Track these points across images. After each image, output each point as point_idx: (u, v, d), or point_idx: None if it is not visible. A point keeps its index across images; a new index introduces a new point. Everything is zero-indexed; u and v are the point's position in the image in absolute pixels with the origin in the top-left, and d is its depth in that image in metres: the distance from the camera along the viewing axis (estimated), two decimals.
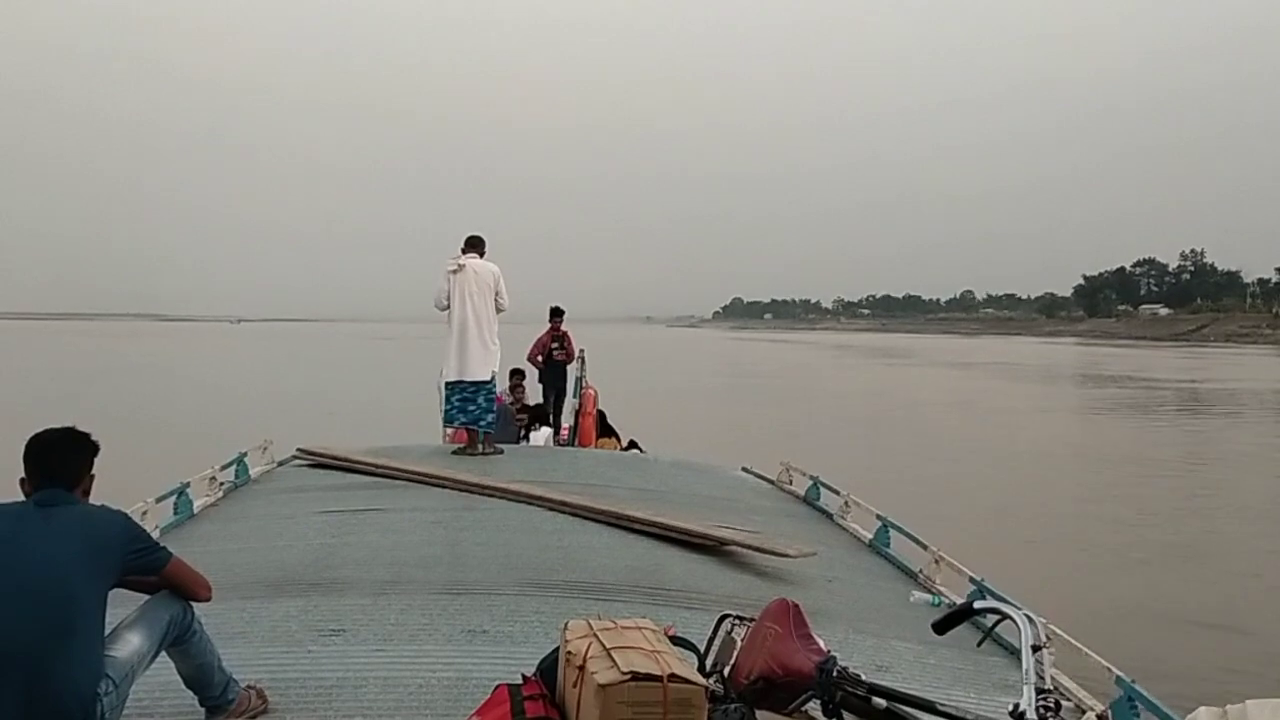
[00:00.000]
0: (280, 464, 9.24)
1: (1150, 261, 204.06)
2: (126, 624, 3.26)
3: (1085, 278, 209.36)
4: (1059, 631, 4.34)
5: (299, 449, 9.50)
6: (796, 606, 3.19)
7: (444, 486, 7.90)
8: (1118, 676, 4.03)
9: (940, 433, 26.52)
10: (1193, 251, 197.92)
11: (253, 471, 8.60)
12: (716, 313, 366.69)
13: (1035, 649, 2.58)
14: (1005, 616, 2.78)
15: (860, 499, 7.97)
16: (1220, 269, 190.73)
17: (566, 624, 3.27)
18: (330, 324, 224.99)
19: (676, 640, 3.35)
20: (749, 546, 6.25)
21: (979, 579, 5.55)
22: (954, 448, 23.59)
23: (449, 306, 9.70)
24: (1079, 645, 4.37)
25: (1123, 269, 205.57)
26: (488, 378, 9.87)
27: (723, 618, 3.57)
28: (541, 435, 13.19)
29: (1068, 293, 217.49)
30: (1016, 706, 2.46)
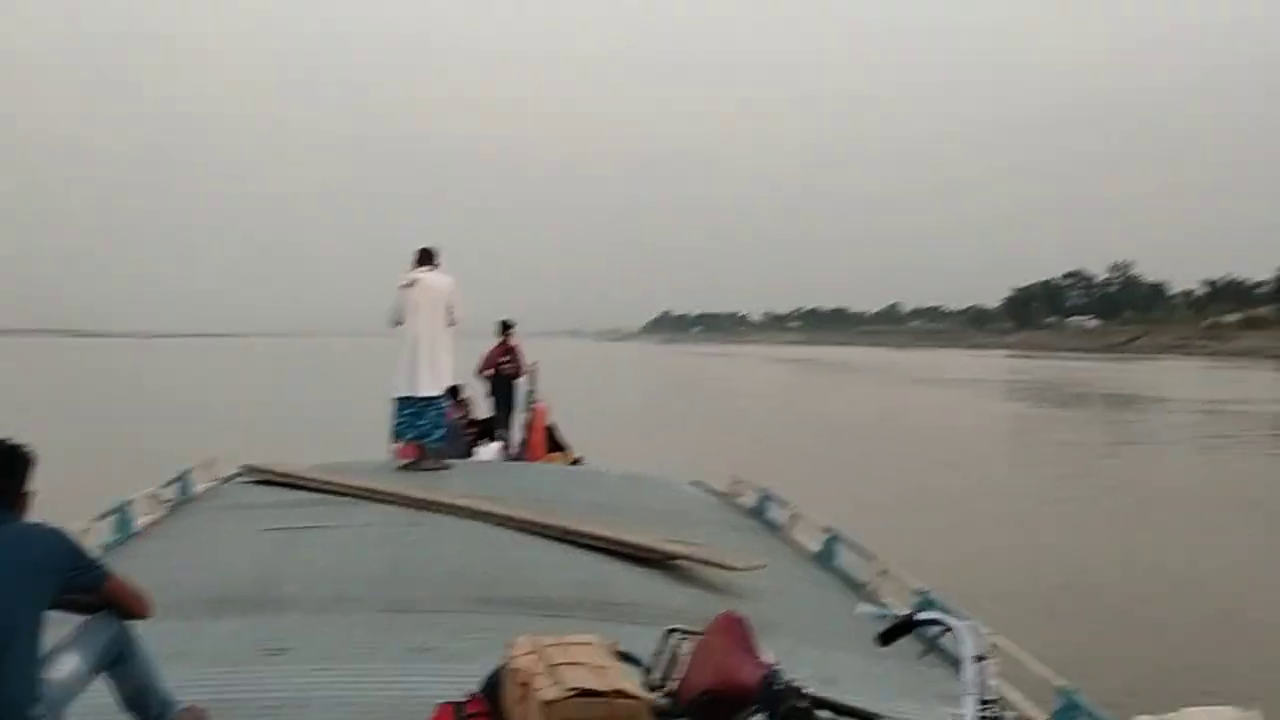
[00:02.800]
0: (225, 481, 9.10)
1: (1078, 273, 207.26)
2: (63, 645, 3.20)
3: (1013, 289, 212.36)
4: (1003, 641, 4.38)
5: (244, 465, 9.38)
6: (742, 620, 3.20)
7: (391, 502, 7.83)
8: (1058, 686, 4.09)
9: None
10: (1120, 263, 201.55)
11: (197, 489, 8.48)
12: (645, 326, 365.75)
13: (978, 659, 2.61)
14: (948, 628, 2.80)
15: (807, 512, 8.01)
16: (1147, 281, 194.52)
17: (511, 641, 3.25)
18: (268, 338, 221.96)
19: (623, 655, 3.35)
20: (698, 560, 6.26)
21: (925, 590, 5.59)
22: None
23: (402, 321, 9.65)
24: (1022, 655, 4.42)
25: (1050, 280, 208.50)
26: (438, 393, 9.81)
27: (670, 632, 3.57)
28: (490, 450, 13.13)
29: (995, 304, 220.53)
30: (960, 718, 2.48)
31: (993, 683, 4.03)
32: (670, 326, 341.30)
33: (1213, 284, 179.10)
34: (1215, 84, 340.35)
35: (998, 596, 10.19)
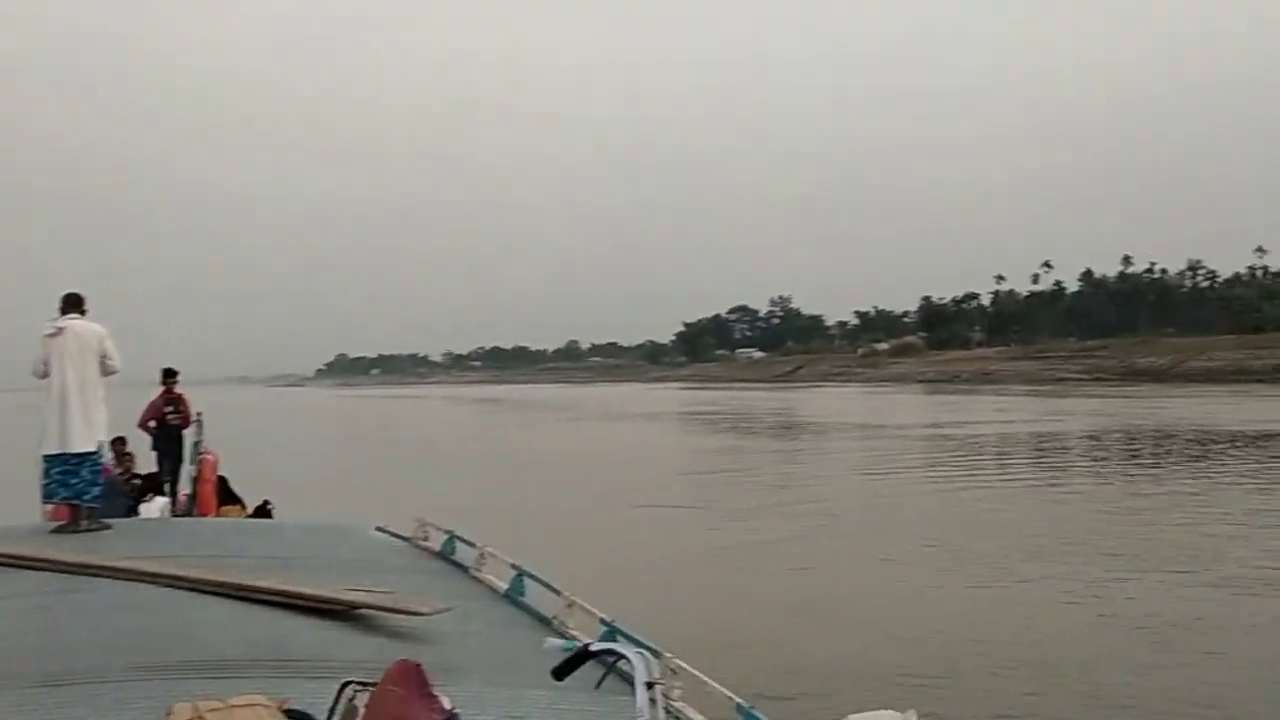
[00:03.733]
0: None
1: (744, 308, 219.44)
2: None
3: (685, 324, 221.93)
4: (681, 664, 4.49)
5: None
6: (417, 666, 3.13)
7: (42, 569, 7.19)
8: (737, 704, 4.24)
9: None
10: (781, 298, 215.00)
11: None
12: (320, 370, 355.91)
13: (650, 685, 2.67)
14: (620, 655, 2.86)
15: (497, 550, 7.97)
16: (806, 314, 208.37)
17: (170, 708, 3.06)
18: None
19: (293, 714, 3.21)
20: (380, 608, 6.09)
21: (609, 620, 5.68)
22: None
23: (48, 374, 8.95)
24: (701, 675, 4.54)
25: (719, 315, 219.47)
26: (93, 448, 9.14)
27: (345, 685, 3.45)
28: (156, 506, 12.34)
29: (668, 339, 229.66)
30: None
31: (676, 704, 4.17)
32: (347, 369, 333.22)
33: (864, 315, 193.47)
34: (857, 136, 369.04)
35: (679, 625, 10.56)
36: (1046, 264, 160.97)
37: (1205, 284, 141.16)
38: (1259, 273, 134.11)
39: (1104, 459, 29.17)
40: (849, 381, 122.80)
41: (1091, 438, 35.98)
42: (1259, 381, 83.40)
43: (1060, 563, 14.70)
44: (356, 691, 3.35)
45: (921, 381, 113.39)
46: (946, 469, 27.54)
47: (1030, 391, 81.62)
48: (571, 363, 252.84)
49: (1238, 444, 31.50)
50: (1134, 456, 29.53)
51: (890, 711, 3.07)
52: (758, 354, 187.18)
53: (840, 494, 22.89)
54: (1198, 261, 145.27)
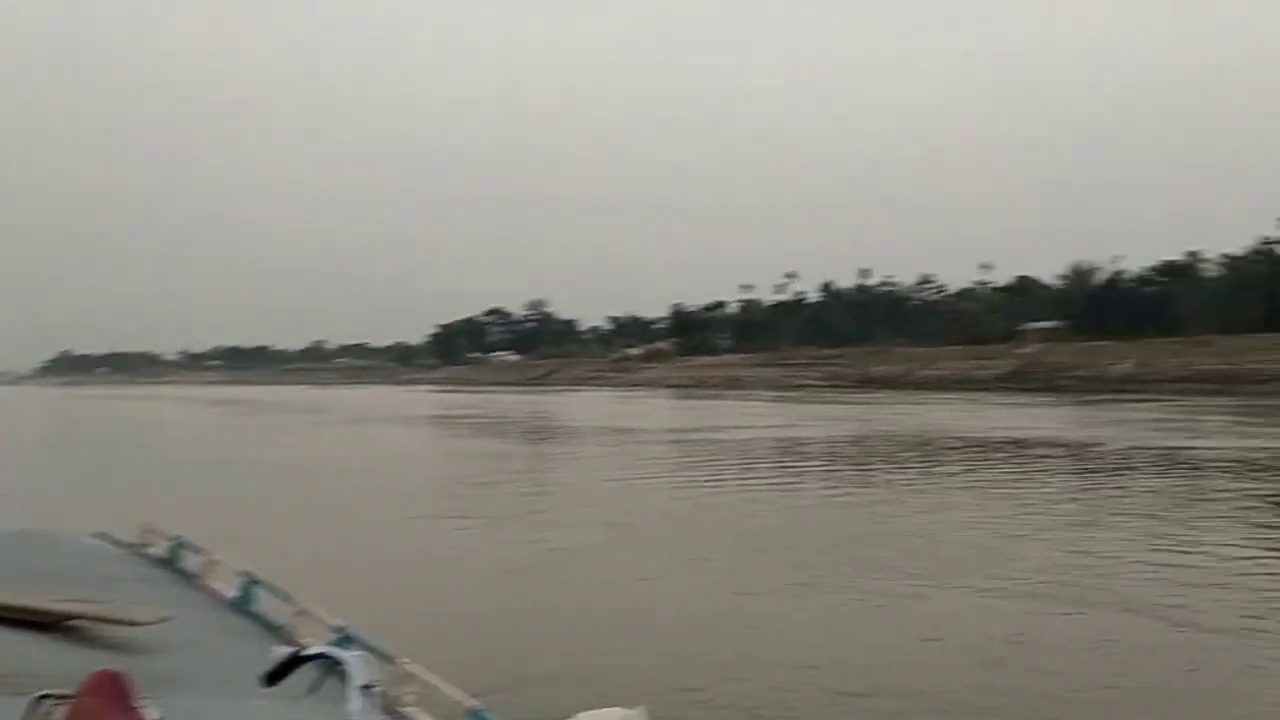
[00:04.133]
0: None
1: (499, 311, 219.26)
2: None
3: (439, 326, 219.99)
4: (415, 668, 4.39)
5: None
6: (117, 675, 2.92)
7: None
8: (468, 707, 4.18)
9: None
10: (537, 301, 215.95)
11: None
12: (41, 367, 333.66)
13: (367, 688, 2.61)
14: (335, 660, 2.80)
15: (222, 556, 7.61)
16: (561, 318, 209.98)
17: None
18: None
19: None
20: (95, 618, 5.69)
21: (343, 627, 5.51)
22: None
23: None
24: (434, 679, 4.47)
25: (473, 318, 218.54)
26: None
27: (41, 698, 3.20)
28: None
29: (419, 341, 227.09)
30: None
31: (408, 709, 4.08)
32: (72, 367, 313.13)
33: (618, 321, 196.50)
34: (614, 142, 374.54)
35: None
36: (791, 274, 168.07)
37: (935, 297, 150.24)
38: (983, 287, 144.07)
39: (871, 465, 30.40)
40: (602, 385, 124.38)
41: (855, 443, 37.56)
42: (984, 389, 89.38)
43: (864, 576, 14.51)
44: (54, 705, 3.12)
45: (672, 386, 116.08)
46: (713, 475, 28.23)
47: (777, 397, 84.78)
48: (317, 364, 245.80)
49: (992, 449, 33.46)
50: (898, 463, 30.89)
51: (619, 709, 3.08)
52: (512, 357, 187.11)
53: (610, 499, 23.09)
54: (929, 275, 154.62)
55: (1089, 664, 10.39)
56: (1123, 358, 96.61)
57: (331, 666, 3.01)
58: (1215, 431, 39.57)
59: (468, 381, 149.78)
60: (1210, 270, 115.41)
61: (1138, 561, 15.20)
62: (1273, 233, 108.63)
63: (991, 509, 20.41)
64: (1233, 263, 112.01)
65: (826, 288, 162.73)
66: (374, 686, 2.74)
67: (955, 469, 28.47)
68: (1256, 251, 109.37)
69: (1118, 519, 19.09)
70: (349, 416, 66.98)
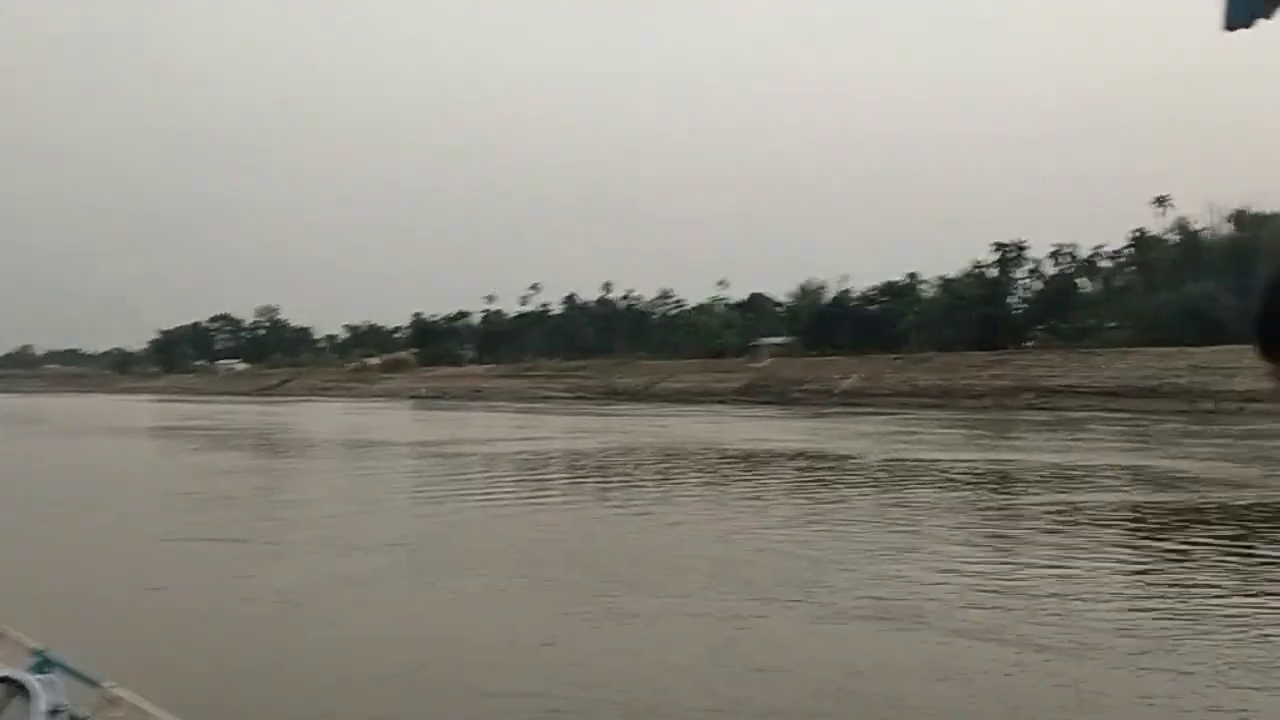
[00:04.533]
0: None
1: (226, 317, 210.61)
2: None
3: (160, 332, 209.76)
4: (122, 693, 4.02)
5: None
6: None
7: None
8: None
9: None
10: (268, 308, 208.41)
11: None
12: None
13: (54, 713, 2.65)
14: (19, 683, 2.78)
15: None
16: (294, 325, 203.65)
17: None
18: None
19: None
20: None
21: (42, 649, 4.97)
22: None
23: None
24: (144, 704, 4.14)
25: (199, 324, 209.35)
26: None
27: None
28: None
29: (139, 348, 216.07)
30: None
31: None
32: None
33: (355, 329, 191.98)
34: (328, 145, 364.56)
35: None
36: (534, 286, 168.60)
37: (674, 311, 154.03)
38: (719, 303, 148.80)
39: (645, 479, 30.20)
40: (340, 396, 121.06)
41: (624, 455, 37.50)
42: (722, 402, 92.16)
43: (687, 595, 14.33)
44: None
45: (414, 397, 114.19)
46: (471, 490, 27.50)
47: (523, 409, 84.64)
48: (24, 370, 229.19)
49: (760, 461, 34.10)
50: (667, 475, 30.92)
51: None
52: (241, 366, 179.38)
53: (366, 515, 22.12)
54: (668, 290, 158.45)
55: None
56: (849, 372, 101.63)
57: (17, 689, 2.93)
58: (957, 444, 41.96)
59: (193, 391, 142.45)
60: (928, 291, 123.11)
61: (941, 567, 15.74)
62: (985, 257, 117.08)
63: (767, 518, 20.76)
64: (947, 285, 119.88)
65: (570, 300, 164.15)
66: (62, 711, 2.70)
67: (743, 483, 28.90)
68: (968, 275, 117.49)
69: (941, 530, 19.71)
70: (71, 427, 62.46)
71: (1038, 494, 25.02)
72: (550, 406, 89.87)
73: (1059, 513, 21.38)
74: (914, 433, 48.31)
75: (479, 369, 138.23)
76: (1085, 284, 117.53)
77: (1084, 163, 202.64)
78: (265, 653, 11.56)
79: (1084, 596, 14.02)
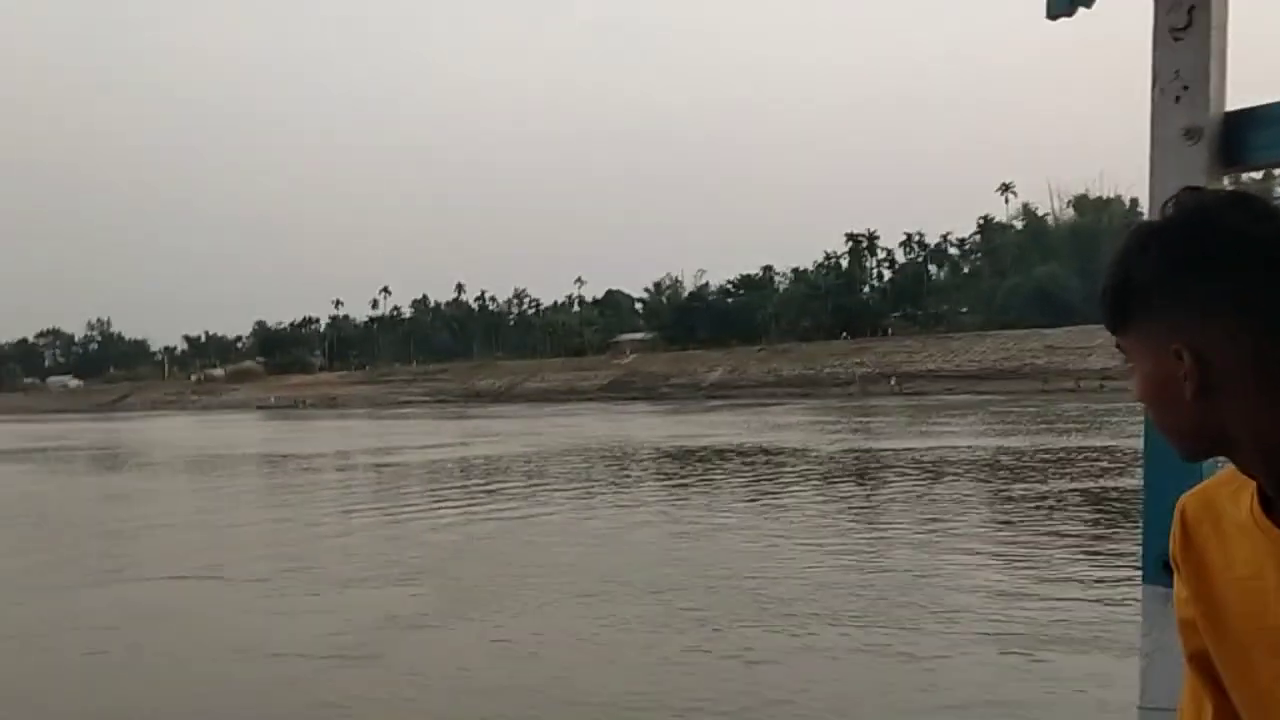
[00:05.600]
0: None
1: (55, 332, 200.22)
2: None
3: None
4: None
5: None
6: None
7: None
8: None
9: None
10: (100, 321, 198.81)
11: None
12: None
13: None
14: None
15: None
16: (128, 338, 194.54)
17: None
18: None
19: None
20: None
21: None
22: None
23: None
24: None
25: (26, 339, 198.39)
26: None
27: None
28: None
29: None
30: None
31: None
32: None
33: (194, 340, 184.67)
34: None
35: None
36: (385, 290, 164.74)
37: (531, 311, 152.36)
38: (578, 301, 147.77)
39: (646, 479, 28.36)
40: (185, 409, 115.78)
41: (565, 456, 35.70)
42: (589, 400, 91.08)
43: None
44: None
45: (263, 408, 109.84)
46: (364, 502, 25.67)
47: (389, 414, 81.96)
48: None
49: (691, 459, 32.89)
50: (669, 476, 29.17)
51: None
52: (74, 382, 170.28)
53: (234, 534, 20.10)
54: (522, 289, 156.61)
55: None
56: (714, 365, 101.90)
57: None
58: (881, 433, 41.57)
59: (23, 410, 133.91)
60: (783, 283, 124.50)
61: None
62: (835, 248, 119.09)
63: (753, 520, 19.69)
64: (799, 276, 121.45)
65: (422, 302, 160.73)
66: None
67: (700, 481, 27.69)
68: (821, 265, 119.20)
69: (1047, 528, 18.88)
70: None
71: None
72: (415, 411, 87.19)
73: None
74: (842, 420, 47.84)
75: (332, 376, 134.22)
76: (935, 272, 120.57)
77: (931, 150, 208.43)
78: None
79: None
